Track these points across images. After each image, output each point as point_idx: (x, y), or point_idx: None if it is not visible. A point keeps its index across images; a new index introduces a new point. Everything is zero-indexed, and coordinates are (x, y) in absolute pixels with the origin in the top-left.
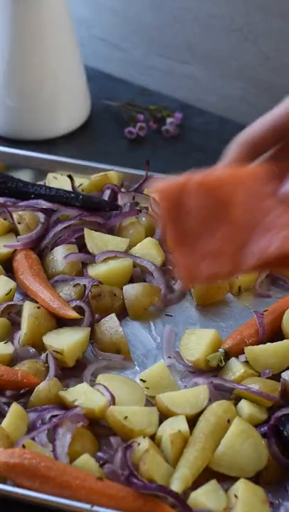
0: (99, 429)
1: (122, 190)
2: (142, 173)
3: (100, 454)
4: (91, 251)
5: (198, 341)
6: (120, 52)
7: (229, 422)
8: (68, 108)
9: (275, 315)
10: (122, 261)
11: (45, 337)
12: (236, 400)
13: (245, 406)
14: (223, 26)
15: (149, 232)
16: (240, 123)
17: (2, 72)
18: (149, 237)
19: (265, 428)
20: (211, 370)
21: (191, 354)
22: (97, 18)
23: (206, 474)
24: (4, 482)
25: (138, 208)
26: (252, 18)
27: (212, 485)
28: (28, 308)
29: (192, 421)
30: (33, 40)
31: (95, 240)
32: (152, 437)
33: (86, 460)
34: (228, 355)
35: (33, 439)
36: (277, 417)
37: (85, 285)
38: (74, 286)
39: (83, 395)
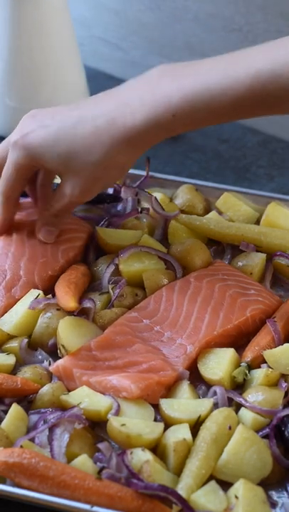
0: (100, 431)
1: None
2: (143, 172)
3: (98, 455)
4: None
5: (218, 360)
6: (120, 52)
7: (230, 428)
8: None
9: (284, 320)
10: (155, 263)
11: (61, 329)
12: (237, 405)
13: (247, 412)
14: (223, 26)
15: (151, 233)
16: (239, 123)
17: (2, 72)
18: (146, 235)
19: (267, 430)
20: (234, 387)
21: (214, 373)
22: (97, 18)
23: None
24: (4, 482)
25: (140, 208)
26: (252, 18)
27: (212, 486)
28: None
29: (196, 430)
30: (33, 39)
31: (107, 233)
32: (156, 446)
33: (83, 461)
34: (250, 368)
35: (32, 440)
36: (279, 418)
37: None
38: (100, 294)
39: (86, 398)
